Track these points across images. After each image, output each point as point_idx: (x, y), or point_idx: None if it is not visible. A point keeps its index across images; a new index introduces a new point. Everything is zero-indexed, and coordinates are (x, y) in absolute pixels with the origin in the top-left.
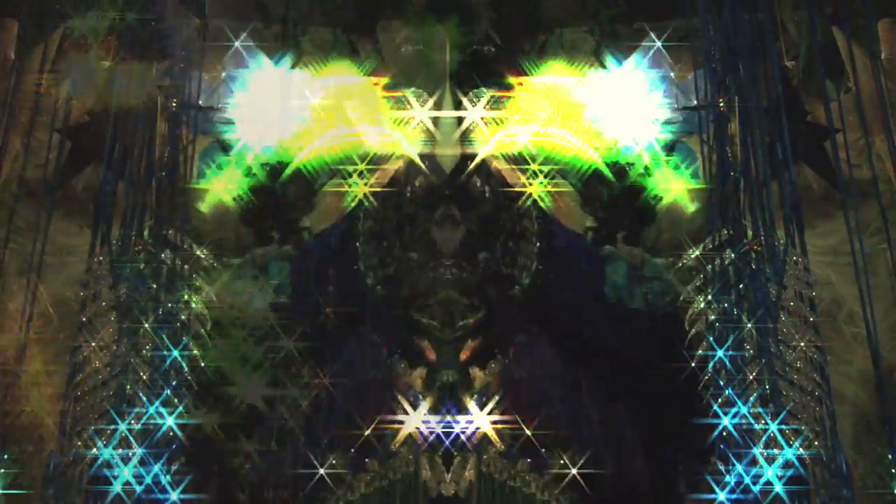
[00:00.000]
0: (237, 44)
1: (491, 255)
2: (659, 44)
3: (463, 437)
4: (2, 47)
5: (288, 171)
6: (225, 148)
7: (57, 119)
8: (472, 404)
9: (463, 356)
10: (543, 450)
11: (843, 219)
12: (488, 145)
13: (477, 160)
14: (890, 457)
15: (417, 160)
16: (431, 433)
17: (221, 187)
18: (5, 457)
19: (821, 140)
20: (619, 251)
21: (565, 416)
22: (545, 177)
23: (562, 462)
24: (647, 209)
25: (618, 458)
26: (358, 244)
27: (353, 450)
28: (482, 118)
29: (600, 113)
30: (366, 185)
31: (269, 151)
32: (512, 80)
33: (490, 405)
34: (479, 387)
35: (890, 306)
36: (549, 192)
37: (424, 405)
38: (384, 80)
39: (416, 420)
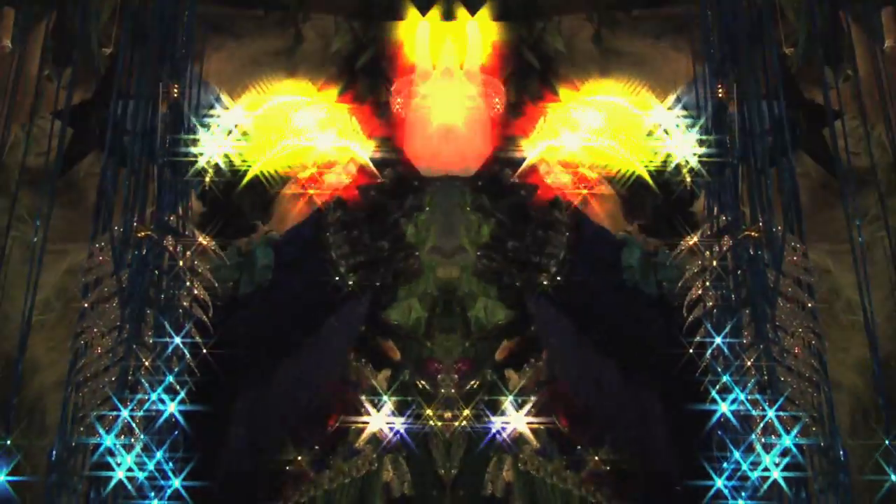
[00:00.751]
0: None
1: (520, 243)
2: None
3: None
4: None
5: (244, 182)
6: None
7: (58, 107)
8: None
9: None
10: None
11: (840, 206)
12: (537, 149)
13: (525, 164)
14: (887, 444)
15: (370, 165)
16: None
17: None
18: (8, 443)
19: (820, 127)
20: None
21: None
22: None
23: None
24: (687, 222)
25: (651, 451)
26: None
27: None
28: None
29: (652, 129)
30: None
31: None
32: (564, 91)
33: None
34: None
35: (888, 295)
36: (593, 195)
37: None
38: (336, 90)
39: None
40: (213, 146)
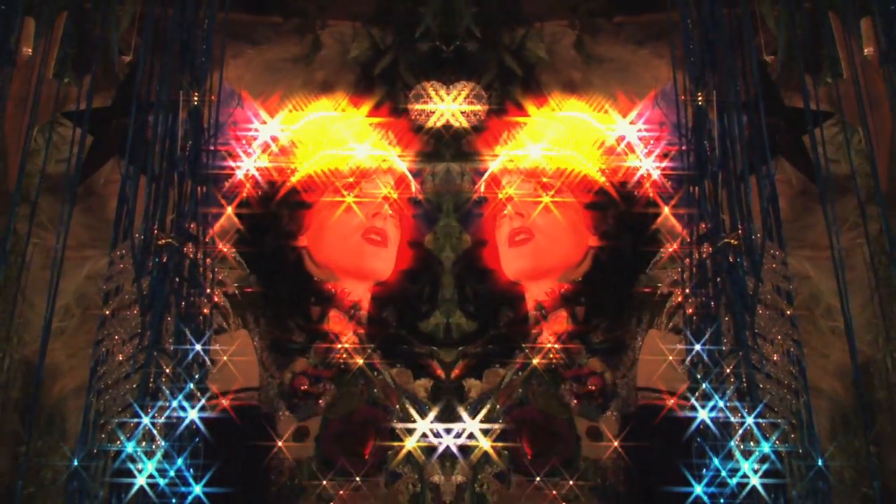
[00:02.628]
0: None
1: None
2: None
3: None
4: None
5: (281, 194)
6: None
7: (79, 114)
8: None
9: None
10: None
11: (821, 213)
12: (498, 159)
13: (487, 174)
14: (867, 450)
15: (408, 175)
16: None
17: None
18: (29, 448)
19: (799, 134)
20: None
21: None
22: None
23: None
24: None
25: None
26: None
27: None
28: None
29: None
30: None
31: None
32: (531, 107)
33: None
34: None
35: (867, 301)
36: (557, 204)
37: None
38: (368, 105)
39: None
40: (249, 161)
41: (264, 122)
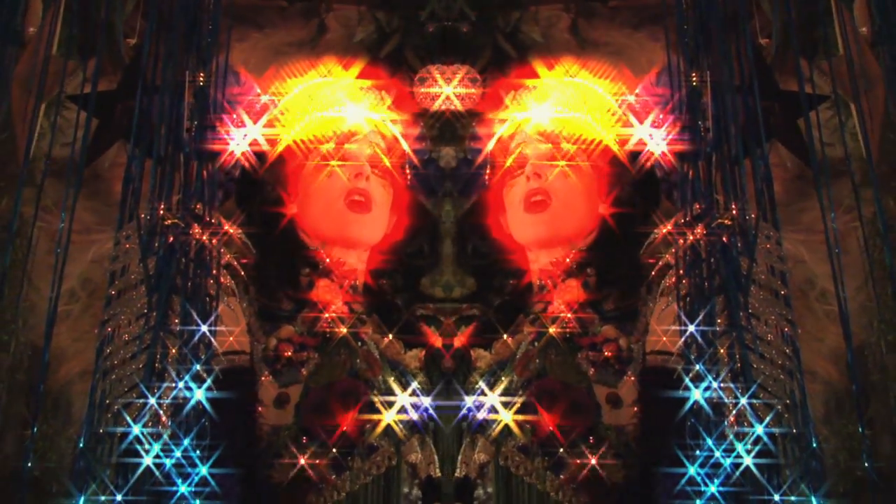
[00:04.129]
0: None
1: None
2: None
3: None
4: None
5: (272, 159)
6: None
7: (84, 98)
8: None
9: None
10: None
11: (816, 196)
12: (504, 125)
13: (496, 136)
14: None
15: (403, 141)
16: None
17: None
18: (35, 431)
19: (794, 118)
20: None
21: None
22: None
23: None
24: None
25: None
26: None
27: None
28: (456, 94)
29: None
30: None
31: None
32: (539, 69)
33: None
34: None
35: (861, 284)
36: (574, 169)
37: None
38: (357, 68)
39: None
40: (241, 133)
41: (258, 94)
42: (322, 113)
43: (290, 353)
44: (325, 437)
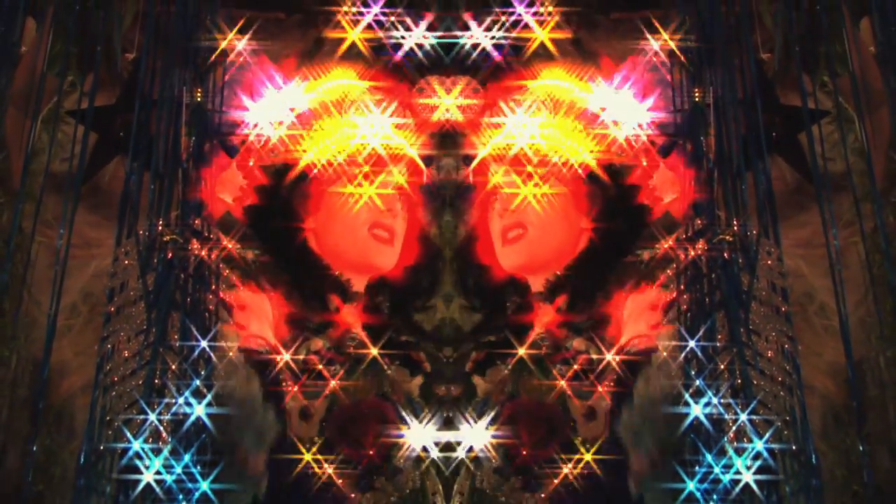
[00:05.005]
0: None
1: None
2: (656, 46)
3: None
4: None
5: (293, 174)
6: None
7: (82, 112)
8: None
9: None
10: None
11: (816, 210)
12: (486, 147)
13: (475, 161)
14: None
15: (420, 162)
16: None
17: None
18: (34, 448)
19: (795, 132)
20: None
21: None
22: (541, 178)
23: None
24: (642, 212)
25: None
26: None
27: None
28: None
29: (597, 113)
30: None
31: (272, 154)
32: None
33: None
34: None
35: (860, 299)
36: (543, 194)
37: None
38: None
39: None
40: (265, 125)
41: (279, 87)
42: (346, 132)
43: (320, 367)
44: (349, 455)
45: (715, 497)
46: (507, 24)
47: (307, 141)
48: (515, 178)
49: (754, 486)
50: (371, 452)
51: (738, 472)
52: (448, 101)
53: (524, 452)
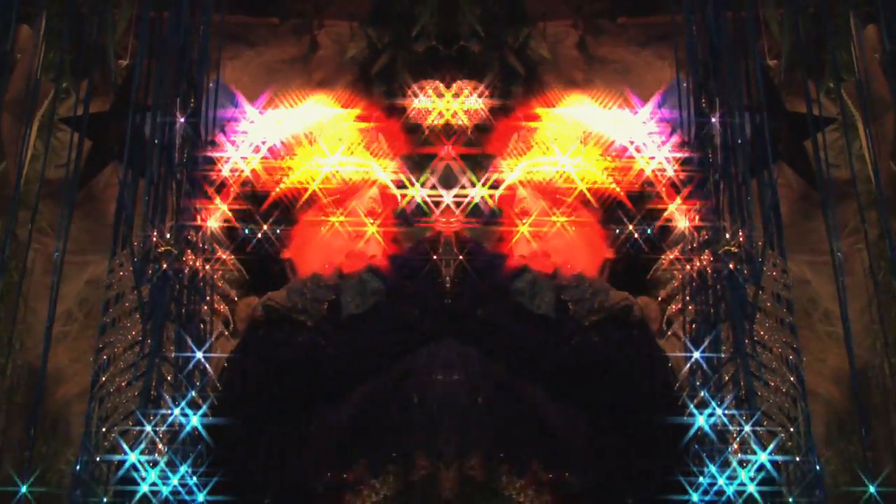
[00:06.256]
0: None
1: None
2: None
3: None
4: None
5: (269, 201)
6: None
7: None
8: None
9: None
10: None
11: (822, 218)
12: (514, 172)
13: (503, 186)
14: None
15: (394, 188)
16: None
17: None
18: (31, 453)
19: (801, 139)
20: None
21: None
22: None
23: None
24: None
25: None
26: None
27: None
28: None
29: (623, 146)
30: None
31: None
32: (539, 111)
33: None
34: None
35: (865, 306)
36: (571, 222)
37: None
38: (356, 112)
39: None
40: (238, 159)
41: (252, 122)
42: (320, 161)
43: None
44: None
45: None
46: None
47: (285, 169)
48: (544, 205)
49: (758, 497)
50: None
51: (742, 484)
52: (443, 105)
53: None
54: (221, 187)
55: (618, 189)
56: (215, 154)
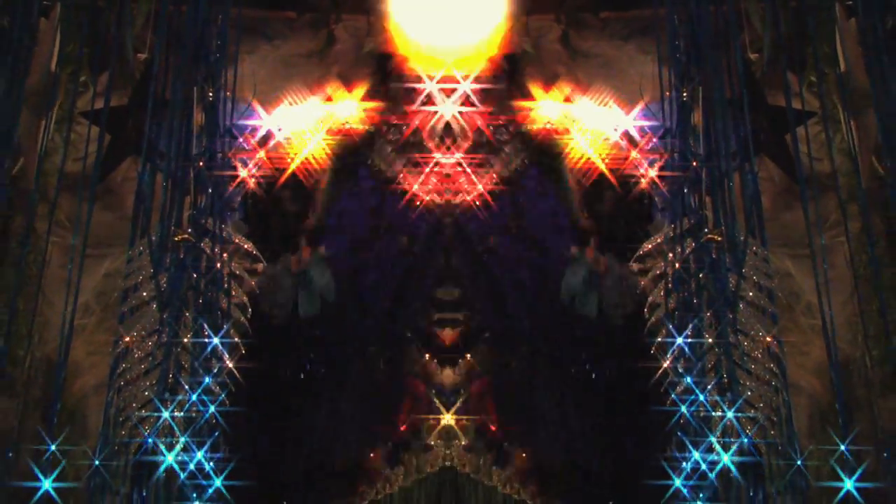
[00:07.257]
0: None
1: None
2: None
3: None
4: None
5: (283, 178)
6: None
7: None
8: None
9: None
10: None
11: (802, 210)
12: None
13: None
14: (843, 447)
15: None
16: None
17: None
18: (51, 447)
19: (783, 132)
20: (587, 256)
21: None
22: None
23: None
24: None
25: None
26: None
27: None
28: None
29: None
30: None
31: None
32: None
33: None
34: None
35: (847, 299)
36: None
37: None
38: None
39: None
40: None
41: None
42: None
43: None
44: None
45: (702, 495)
46: None
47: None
48: None
49: (732, 468)
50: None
51: (725, 469)
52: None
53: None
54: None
55: (602, 164)
56: (250, 122)
